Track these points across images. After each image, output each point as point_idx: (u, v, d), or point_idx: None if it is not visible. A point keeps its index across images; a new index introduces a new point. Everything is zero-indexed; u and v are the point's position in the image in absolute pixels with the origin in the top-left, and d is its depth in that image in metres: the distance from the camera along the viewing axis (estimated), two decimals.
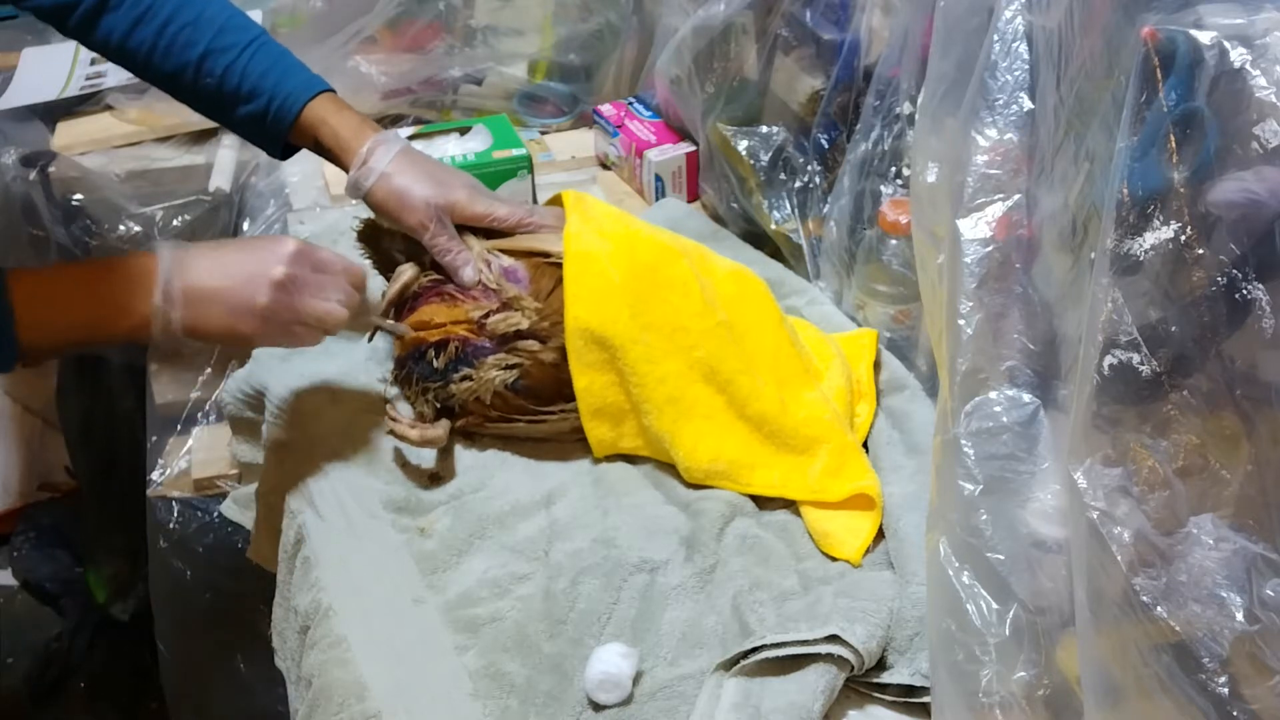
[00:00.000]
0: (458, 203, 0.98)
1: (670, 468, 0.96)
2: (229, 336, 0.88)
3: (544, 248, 0.97)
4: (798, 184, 1.17)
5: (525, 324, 0.94)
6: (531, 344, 0.94)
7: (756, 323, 0.98)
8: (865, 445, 0.99)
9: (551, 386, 0.95)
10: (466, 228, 1.00)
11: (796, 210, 1.18)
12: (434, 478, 0.97)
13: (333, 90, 1.02)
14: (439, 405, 0.96)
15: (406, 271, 0.99)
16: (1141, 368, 0.57)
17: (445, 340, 0.95)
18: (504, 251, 0.98)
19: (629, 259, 0.95)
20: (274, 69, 1.00)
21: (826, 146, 1.13)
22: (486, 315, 0.95)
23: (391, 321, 0.98)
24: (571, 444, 0.98)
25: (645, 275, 0.95)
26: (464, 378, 0.94)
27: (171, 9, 0.98)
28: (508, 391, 0.94)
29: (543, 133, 1.49)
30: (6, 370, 0.81)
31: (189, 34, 0.98)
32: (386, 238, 1.04)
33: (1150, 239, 0.56)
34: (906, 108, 1.00)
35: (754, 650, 0.78)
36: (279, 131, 1.01)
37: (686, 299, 0.95)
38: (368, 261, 1.04)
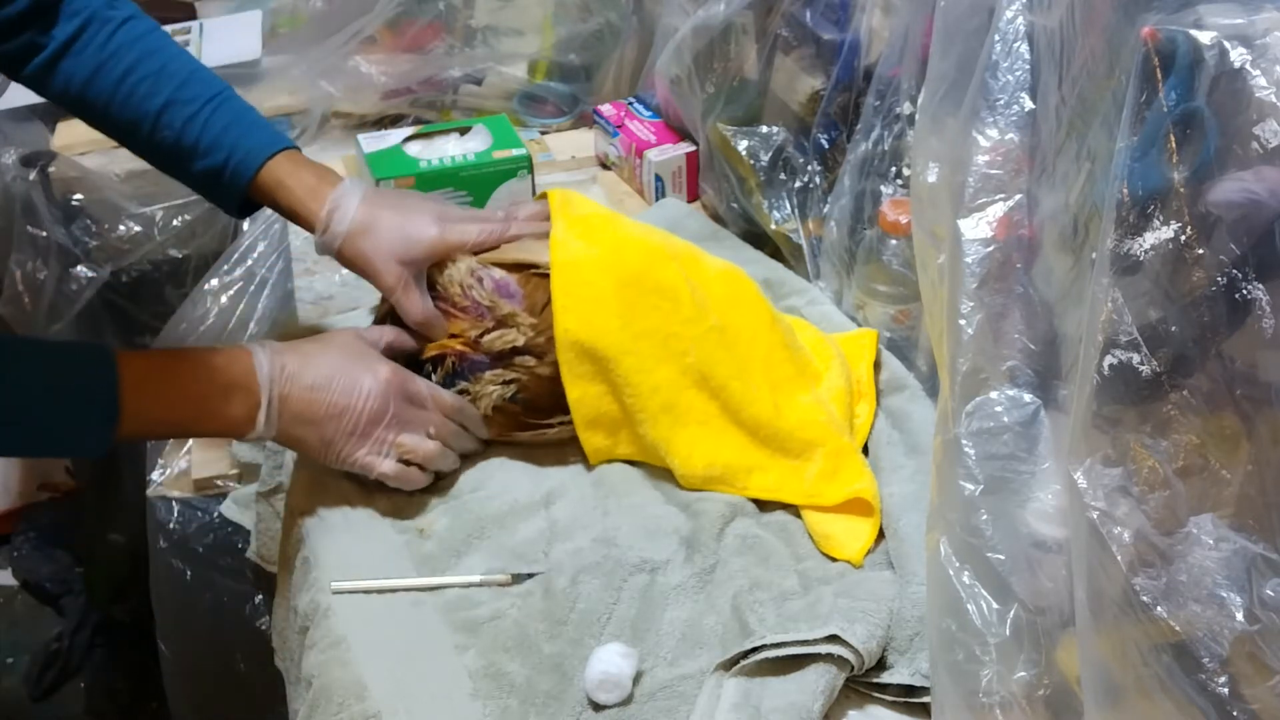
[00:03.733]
0: (429, 246, 0.95)
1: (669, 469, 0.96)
2: (319, 458, 0.91)
3: (531, 259, 0.96)
4: (798, 184, 1.17)
5: (520, 340, 0.93)
6: (528, 359, 0.94)
7: (748, 325, 0.97)
8: (865, 445, 0.99)
9: (549, 399, 0.94)
10: None
11: (796, 210, 1.18)
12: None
13: (296, 148, 0.99)
14: None
15: None
16: (1141, 368, 0.56)
17: (442, 355, 0.95)
18: (493, 264, 0.97)
19: (617, 265, 0.94)
20: (235, 125, 0.97)
21: (826, 146, 1.13)
22: (482, 334, 0.94)
23: None
24: (570, 444, 0.98)
25: (634, 282, 0.94)
26: (460, 390, 0.94)
27: (134, 58, 0.96)
28: (507, 404, 0.94)
29: (543, 133, 1.49)
30: (97, 456, 0.82)
31: (150, 84, 0.96)
32: None
33: (1150, 239, 0.56)
34: (906, 108, 1.00)
35: (754, 650, 0.78)
36: (237, 189, 0.97)
37: (677, 304, 0.94)
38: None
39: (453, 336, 0.95)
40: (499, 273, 0.96)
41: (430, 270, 0.96)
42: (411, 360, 0.96)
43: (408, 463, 0.92)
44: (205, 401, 0.85)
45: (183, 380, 0.84)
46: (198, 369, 0.84)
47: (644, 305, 0.94)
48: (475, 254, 0.97)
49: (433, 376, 0.95)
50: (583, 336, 0.92)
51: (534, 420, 0.96)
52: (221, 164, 0.96)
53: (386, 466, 0.91)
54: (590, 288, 0.93)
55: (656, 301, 0.94)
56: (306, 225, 0.97)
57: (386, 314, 0.99)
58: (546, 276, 0.94)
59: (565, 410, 0.95)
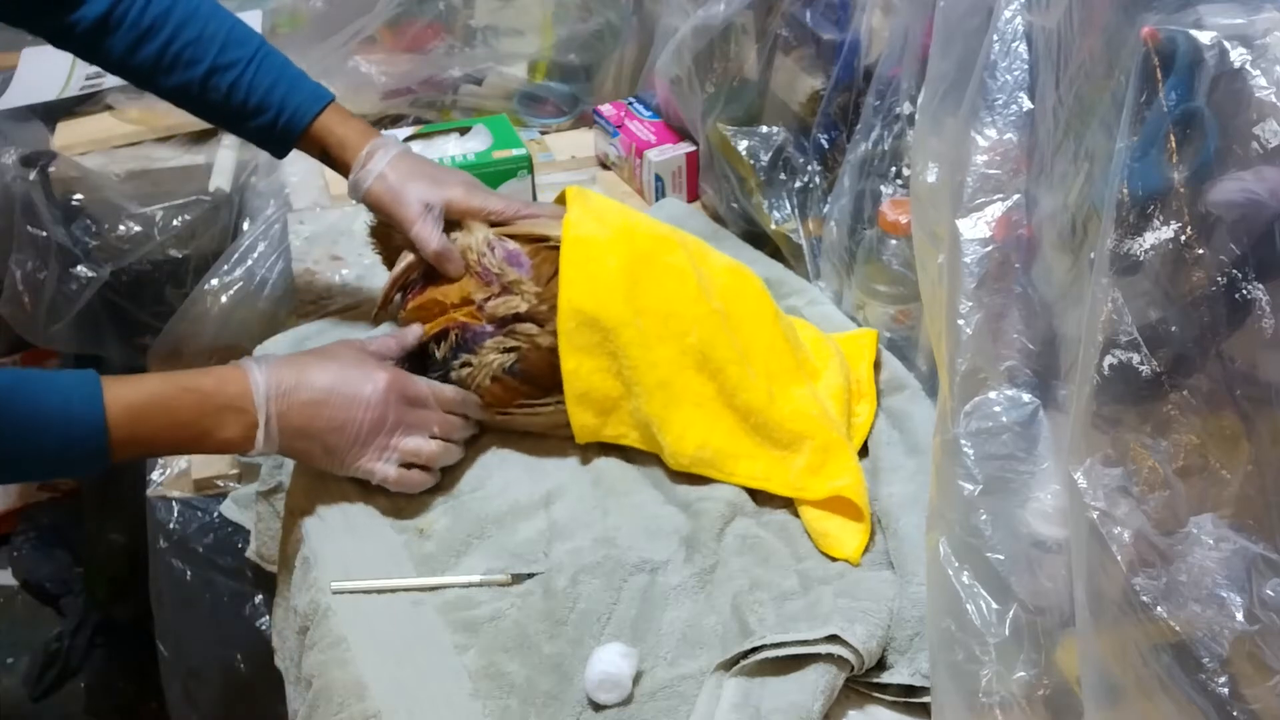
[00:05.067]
0: (453, 199, 1.00)
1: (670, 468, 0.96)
2: (324, 467, 0.92)
3: (545, 232, 0.98)
4: (798, 184, 1.17)
5: (524, 307, 0.95)
6: (530, 327, 0.95)
7: (750, 315, 0.98)
8: (865, 445, 0.99)
9: (548, 373, 0.95)
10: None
11: (796, 210, 1.18)
12: None
13: (334, 98, 1.04)
14: None
15: (411, 255, 1.01)
16: (1141, 368, 0.56)
17: (445, 330, 0.96)
18: (508, 236, 1.00)
19: (627, 246, 0.96)
20: (279, 83, 1.02)
21: (826, 146, 1.13)
22: (488, 298, 0.96)
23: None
24: (569, 443, 0.98)
25: (642, 261, 0.95)
26: (464, 364, 0.95)
27: (173, 28, 0.99)
28: (506, 376, 0.95)
29: (543, 133, 1.49)
30: (95, 473, 0.83)
31: (192, 52, 0.99)
32: (398, 234, 1.05)
33: (1150, 239, 0.56)
34: (906, 108, 1.00)
35: (754, 650, 0.78)
36: (286, 142, 1.04)
37: (682, 285, 0.95)
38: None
39: (460, 304, 0.97)
40: (512, 244, 0.98)
41: (447, 233, 1.00)
42: (416, 351, 0.98)
43: (411, 465, 0.92)
44: (197, 425, 0.85)
45: (172, 408, 0.84)
46: (187, 394, 0.84)
47: (649, 283, 0.95)
48: (493, 225, 1.01)
49: (437, 352, 0.96)
50: (585, 306, 0.93)
51: (529, 400, 0.96)
52: (271, 122, 1.02)
53: (389, 472, 0.91)
54: (598, 262, 0.94)
55: (662, 280, 0.95)
56: (342, 170, 1.03)
57: (399, 278, 1.01)
58: (557, 250, 0.96)
59: (561, 390, 0.95)
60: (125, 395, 0.81)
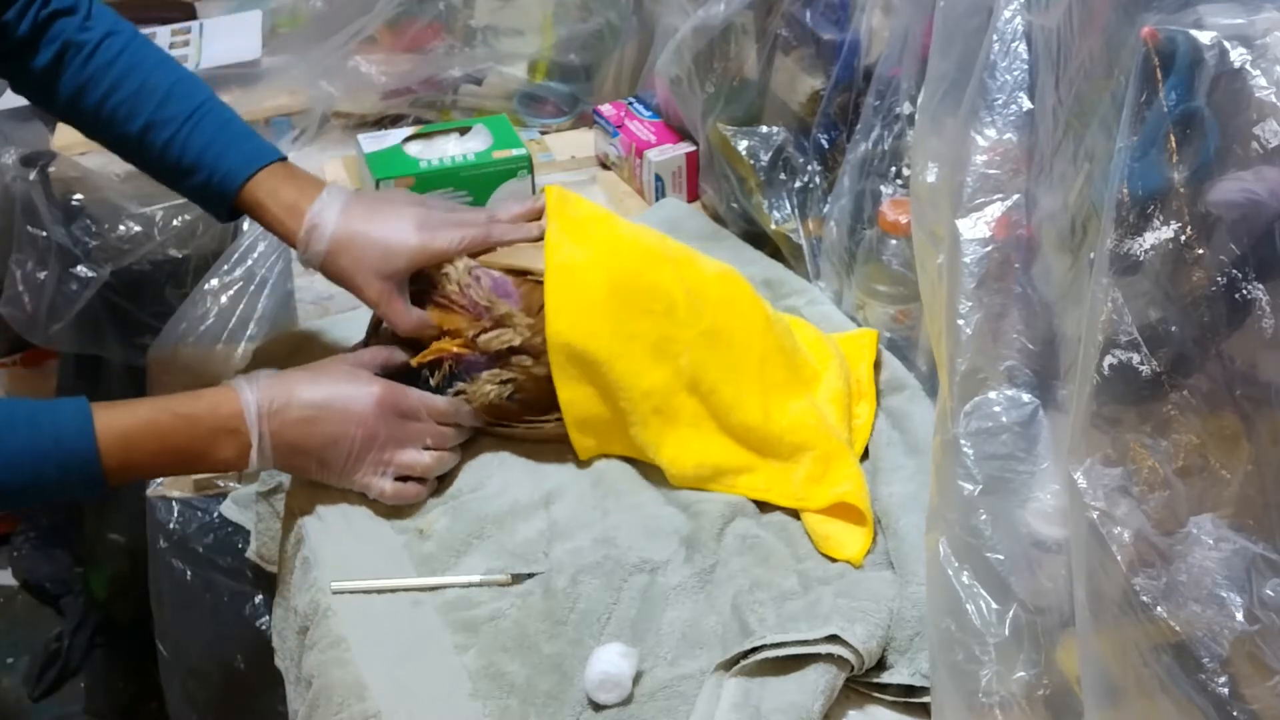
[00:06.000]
0: (409, 257, 0.94)
1: None
2: (320, 480, 0.93)
3: (525, 265, 0.95)
4: (798, 184, 1.17)
5: (517, 340, 0.93)
6: (524, 359, 0.94)
7: (742, 327, 0.97)
8: (866, 445, 0.99)
9: (546, 398, 0.94)
10: None
11: (796, 210, 1.18)
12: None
13: (277, 159, 0.98)
14: None
15: None
16: (1141, 368, 0.56)
17: (439, 360, 0.95)
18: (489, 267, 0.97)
19: (611, 268, 0.94)
20: (214, 143, 0.96)
21: (826, 146, 1.13)
22: (479, 334, 0.94)
23: None
24: (568, 444, 0.98)
25: (628, 284, 0.94)
26: (458, 393, 0.94)
27: (111, 81, 0.95)
28: (504, 402, 0.94)
29: (543, 133, 1.49)
30: (97, 497, 0.83)
31: (129, 106, 0.96)
32: None
33: (1150, 239, 0.56)
34: (906, 108, 1.00)
35: (754, 650, 0.78)
36: (222, 205, 0.98)
37: (671, 307, 0.94)
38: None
39: (449, 335, 0.95)
40: (497, 272, 0.95)
41: (435, 270, 0.96)
42: (409, 367, 0.96)
43: (407, 478, 0.92)
44: (191, 448, 0.85)
45: (165, 434, 0.84)
46: (179, 420, 0.85)
47: (637, 308, 0.93)
48: (471, 257, 0.97)
49: (431, 380, 0.95)
50: (574, 340, 0.92)
51: (530, 417, 0.96)
52: (204, 183, 0.96)
53: (385, 486, 0.91)
54: (583, 291, 0.93)
55: (649, 304, 0.94)
56: (289, 243, 0.97)
57: (379, 322, 1.00)
58: (542, 282, 0.94)
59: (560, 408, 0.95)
60: (117, 424, 0.82)
